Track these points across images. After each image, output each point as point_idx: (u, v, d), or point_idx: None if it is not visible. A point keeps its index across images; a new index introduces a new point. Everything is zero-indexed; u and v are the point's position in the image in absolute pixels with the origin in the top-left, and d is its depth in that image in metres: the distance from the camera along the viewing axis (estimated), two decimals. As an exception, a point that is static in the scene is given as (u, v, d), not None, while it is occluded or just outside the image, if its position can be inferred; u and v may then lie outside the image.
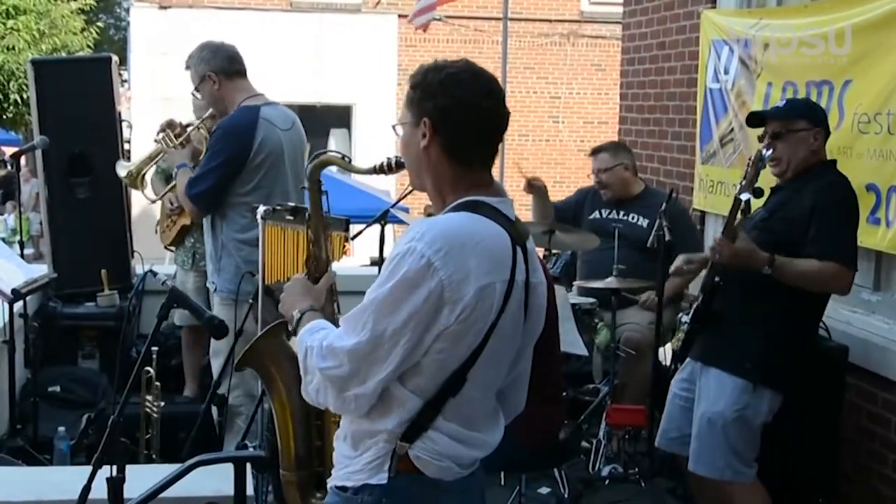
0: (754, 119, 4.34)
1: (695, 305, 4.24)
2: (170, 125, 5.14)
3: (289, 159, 4.93)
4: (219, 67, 4.89)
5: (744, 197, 3.95)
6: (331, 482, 2.46)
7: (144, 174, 5.27)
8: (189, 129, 5.10)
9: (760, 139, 4.26)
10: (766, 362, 4.01)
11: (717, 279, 4.11)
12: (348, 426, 2.43)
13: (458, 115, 2.38)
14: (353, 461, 2.39)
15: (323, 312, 2.59)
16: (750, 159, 4.13)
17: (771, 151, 4.07)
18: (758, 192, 3.96)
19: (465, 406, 2.35)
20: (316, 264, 2.80)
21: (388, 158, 2.63)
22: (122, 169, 5.25)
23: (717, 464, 4.09)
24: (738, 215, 4.05)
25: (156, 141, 5.13)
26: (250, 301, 4.45)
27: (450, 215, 2.37)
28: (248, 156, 4.77)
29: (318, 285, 2.70)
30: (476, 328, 2.28)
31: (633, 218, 5.68)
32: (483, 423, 2.43)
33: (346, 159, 2.86)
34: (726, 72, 5.90)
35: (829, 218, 3.96)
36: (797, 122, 4.11)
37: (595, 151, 5.94)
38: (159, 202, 5.95)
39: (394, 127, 2.52)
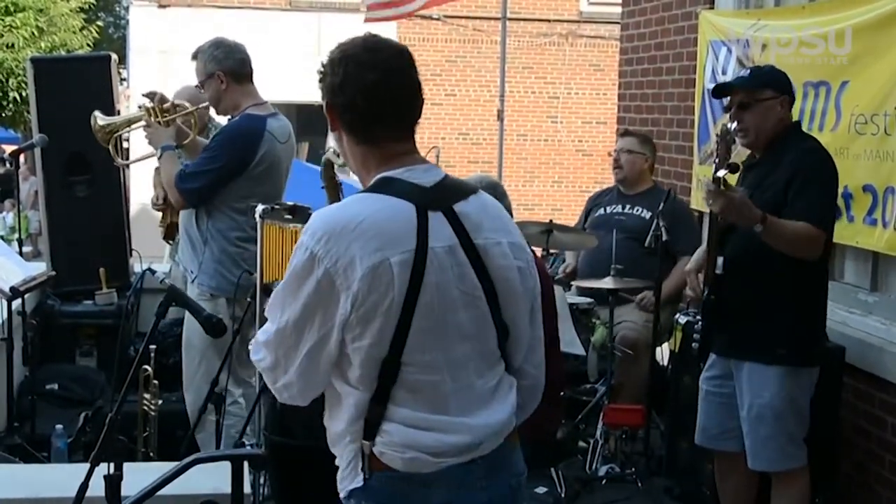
0: (720, 90, 4.34)
1: (702, 300, 4.23)
2: (159, 99, 5.00)
3: (283, 172, 4.96)
4: (229, 69, 4.87)
5: (720, 174, 3.89)
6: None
7: (117, 134, 5.13)
8: (180, 111, 4.99)
9: (726, 110, 4.26)
10: (797, 343, 4.02)
11: (718, 271, 4.11)
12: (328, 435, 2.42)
13: (346, 94, 2.33)
14: (341, 469, 2.38)
15: None
16: (717, 135, 4.12)
17: (737, 124, 4.06)
18: (733, 168, 3.92)
19: (420, 391, 2.26)
20: None
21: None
22: (101, 120, 5.09)
23: (774, 456, 4.09)
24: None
25: (140, 107, 5.03)
26: (248, 299, 4.46)
27: (342, 201, 2.36)
28: (247, 166, 4.78)
29: None
30: (382, 309, 2.20)
31: (637, 210, 5.71)
32: (460, 406, 2.30)
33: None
34: (724, 72, 5.91)
35: (807, 183, 3.95)
36: (763, 91, 4.10)
37: (625, 133, 5.99)
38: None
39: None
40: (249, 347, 4.23)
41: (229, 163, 4.78)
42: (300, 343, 2.27)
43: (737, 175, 4.14)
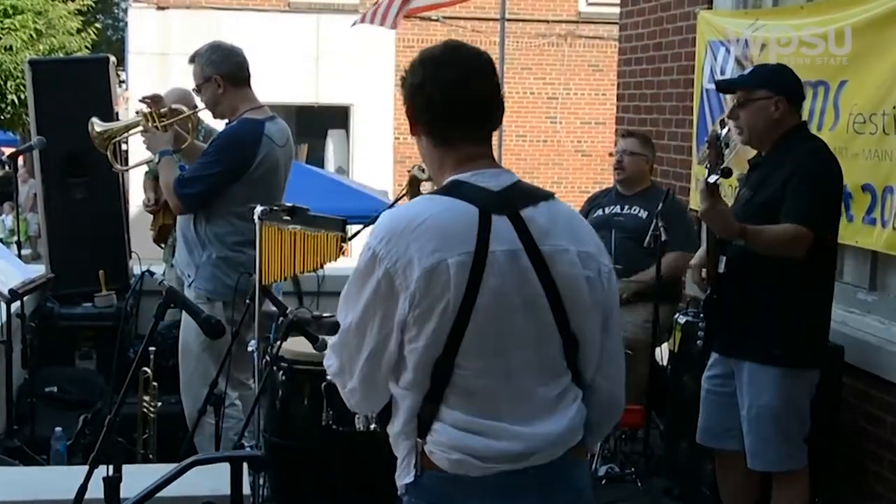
0: (723, 86, 4.40)
1: (704, 297, 4.24)
2: (156, 103, 4.97)
3: (282, 175, 4.96)
4: (227, 73, 4.87)
5: (712, 179, 3.90)
6: None
7: (115, 140, 5.11)
8: (177, 115, 4.97)
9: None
10: (795, 345, 4.03)
11: (721, 269, 4.12)
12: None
13: (425, 94, 2.35)
14: (398, 464, 2.40)
15: None
16: (707, 141, 4.14)
17: (726, 130, 4.08)
18: (726, 173, 3.94)
19: (473, 396, 2.26)
20: None
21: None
22: (98, 126, 5.06)
23: (774, 457, 4.10)
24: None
25: (137, 112, 5.01)
26: (247, 301, 4.46)
27: (405, 204, 2.39)
28: (246, 170, 4.78)
29: None
30: (438, 310, 2.20)
31: (634, 210, 5.70)
32: (512, 414, 2.27)
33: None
34: (723, 72, 5.91)
35: (801, 183, 3.96)
36: (757, 90, 4.13)
37: (627, 133, 5.97)
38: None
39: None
40: (249, 349, 4.25)
41: (227, 168, 4.78)
42: (362, 346, 2.30)
43: (733, 177, 4.14)
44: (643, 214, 5.60)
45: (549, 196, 2.38)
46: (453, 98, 2.34)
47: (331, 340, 2.41)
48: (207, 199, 4.82)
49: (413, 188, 3.35)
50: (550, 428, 2.30)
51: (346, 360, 2.35)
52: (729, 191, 5.22)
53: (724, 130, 4.08)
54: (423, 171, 2.91)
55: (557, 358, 2.33)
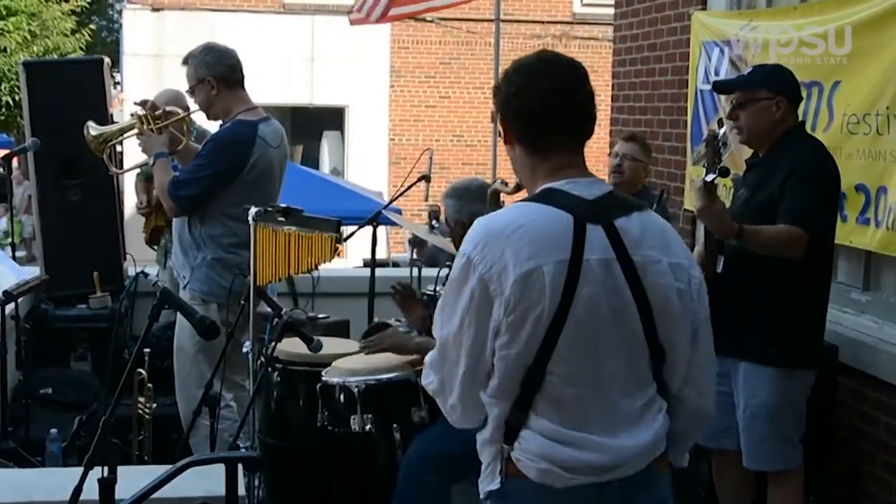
0: (721, 87, 4.39)
1: None
2: (151, 106, 4.97)
3: (276, 176, 4.96)
4: (220, 74, 4.87)
5: (709, 178, 3.90)
6: None
7: (111, 143, 5.09)
8: (172, 117, 4.97)
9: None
10: (791, 345, 4.03)
11: (718, 269, 4.12)
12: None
13: (520, 102, 2.36)
14: (482, 470, 2.40)
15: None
16: (704, 140, 4.14)
17: (724, 130, 4.08)
18: (724, 172, 3.94)
19: (562, 404, 2.26)
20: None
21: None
22: (94, 130, 5.06)
23: (769, 456, 4.10)
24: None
25: (132, 115, 5.00)
26: (242, 302, 4.46)
27: (499, 211, 2.38)
28: (240, 172, 4.78)
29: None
30: (532, 317, 2.21)
31: None
32: (599, 424, 2.28)
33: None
34: (717, 73, 5.91)
35: (798, 183, 3.97)
36: (759, 91, 4.12)
37: (629, 138, 5.90)
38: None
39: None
40: (244, 350, 4.24)
41: (221, 170, 4.78)
42: (459, 358, 2.29)
43: (728, 177, 4.15)
44: None
45: (641, 207, 2.40)
46: (547, 106, 2.35)
47: (428, 357, 2.39)
48: (201, 201, 4.82)
49: (494, 201, 3.36)
50: (636, 440, 2.31)
51: (446, 374, 2.33)
52: (724, 191, 5.23)
53: (722, 130, 4.08)
54: (505, 184, 2.91)
55: (644, 368, 2.34)
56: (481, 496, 2.40)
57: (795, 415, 4.10)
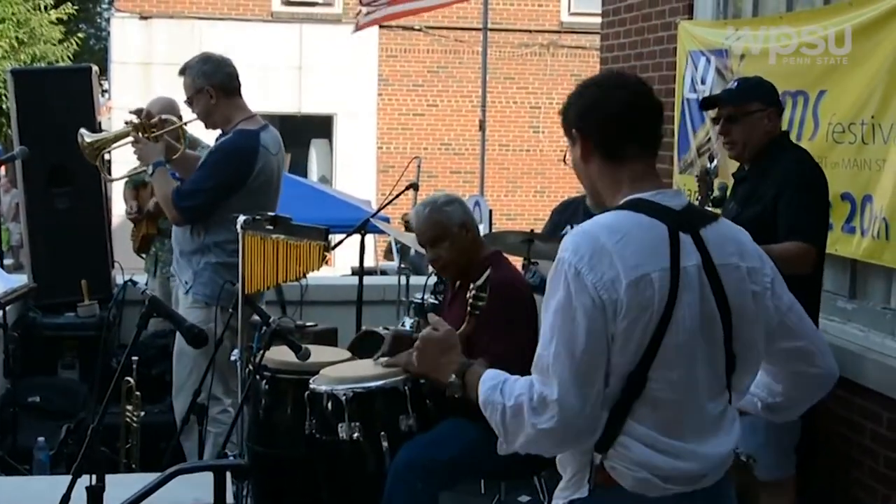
0: (707, 103, 4.41)
1: None
2: (146, 114, 4.98)
3: (276, 183, 4.99)
4: (218, 83, 4.90)
5: None
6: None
7: (104, 151, 5.10)
8: (167, 125, 4.98)
9: (715, 122, 4.33)
10: None
11: None
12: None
13: (599, 112, 2.40)
14: (562, 480, 2.39)
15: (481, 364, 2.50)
16: (696, 177, 4.19)
17: (715, 163, 4.12)
18: (716, 202, 3.99)
19: (659, 410, 2.26)
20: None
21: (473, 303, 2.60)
22: (88, 137, 5.05)
23: (764, 465, 4.11)
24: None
25: (126, 123, 5.00)
26: (230, 310, 4.46)
27: (594, 218, 2.37)
28: (245, 182, 4.80)
29: (447, 338, 2.56)
30: (642, 322, 2.22)
31: None
32: (694, 432, 2.30)
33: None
34: (703, 82, 5.94)
35: (794, 197, 3.99)
36: (750, 104, 4.15)
37: None
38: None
39: (564, 159, 2.54)
40: (232, 358, 4.23)
41: (226, 180, 4.80)
42: (594, 374, 2.23)
43: (715, 188, 4.18)
44: None
45: (717, 217, 2.47)
46: (626, 114, 2.40)
47: (545, 390, 2.22)
48: (206, 212, 4.84)
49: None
50: (721, 448, 2.35)
51: (581, 395, 2.21)
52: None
53: (713, 164, 4.12)
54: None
55: (722, 374, 2.37)
56: (559, 502, 2.37)
57: (789, 424, 4.12)
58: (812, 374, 2.56)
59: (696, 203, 4.00)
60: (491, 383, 2.36)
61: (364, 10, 12.04)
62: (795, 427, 4.15)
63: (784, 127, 4.46)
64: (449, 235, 4.29)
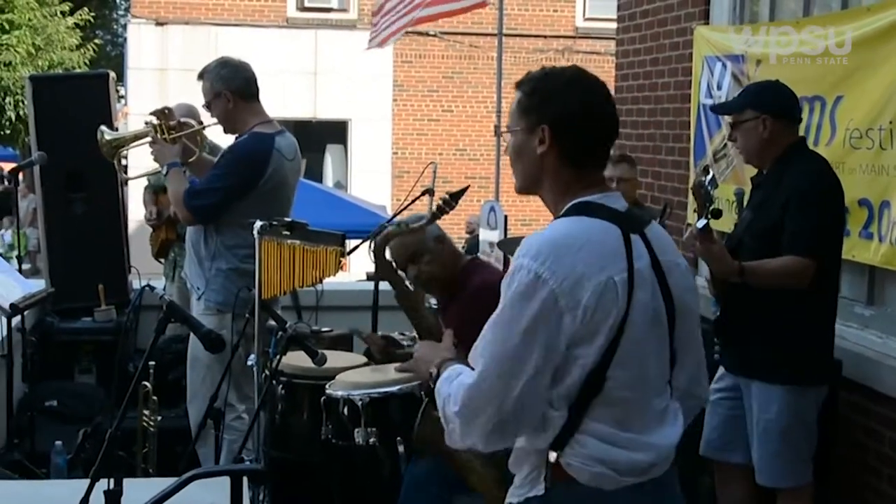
0: (715, 110, 4.56)
1: (714, 317, 4.29)
2: (166, 115, 5.01)
3: (291, 189, 4.99)
4: (236, 88, 4.91)
5: (700, 224, 3.97)
6: (506, 500, 2.46)
7: (122, 149, 5.14)
8: (186, 128, 5.01)
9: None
10: (800, 362, 4.05)
11: (726, 288, 4.15)
12: (514, 449, 2.44)
13: (582, 122, 2.40)
14: (517, 477, 2.42)
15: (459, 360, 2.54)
16: (691, 189, 4.21)
17: (710, 177, 4.15)
18: (715, 214, 4.00)
19: (616, 407, 2.31)
20: (430, 331, 2.80)
21: (442, 198, 2.66)
22: (108, 135, 5.09)
23: (781, 473, 4.11)
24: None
25: (146, 123, 5.03)
26: (247, 316, 4.47)
27: (552, 225, 2.40)
28: (256, 184, 4.81)
29: (444, 343, 2.67)
30: (606, 326, 2.26)
31: None
32: (646, 425, 2.36)
33: (403, 225, 2.87)
34: (719, 87, 5.93)
35: (799, 209, 3.99)
36: (744, 112, 4.18)
37: (618, 160, 5.92)
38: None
39: (501, 133, 2.56)
40: (249, 363, 4.23)
41: (238, 181, 4.81)
42: (520, 371, 2.26)
43: (730, 192, 4.19)
44: None
45: (650, 219, 2.51)
46: (606, 131, 2.44)
47: (467, 379, 2.32)
48: (217, 212, 4.84)
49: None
50: (669, 439, 2.41)
51: (497, 388, 2.27)
52: (729, 212, 5.25)
53: (708, 177, 4.13)
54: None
55: (667, 370, 2.44)
56: (514, 500, 2.40)
57: (807, 431, 4.11)
58: (696, 398, 2.62)
59: (695, 212, 4.02)
60: (446, 375, 2.44)
61: (382, 21, 12.02)
62: (812, 434, 4.14)
63: (802, 132, 4.45)
64: (427, 250, 4.34)
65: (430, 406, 2.56)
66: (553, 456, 2.31)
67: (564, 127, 2.40)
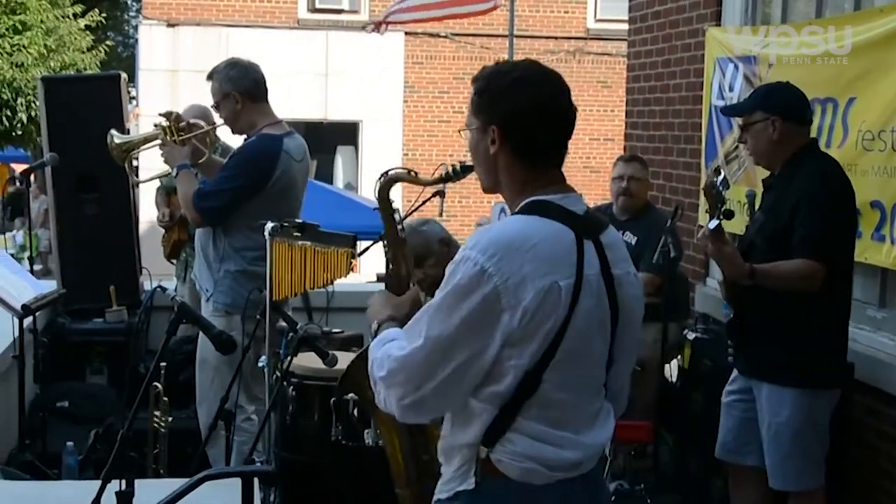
0: (725, 112, 4.56)
1: (727, 320, 4.29)
2: (175, 118, 5.02)
3: (299, 190, 4.99)
4: (245, 89, 4.91)
5: (712, 225, 3.98)
6: (434, 496, 2.47)
7: (132, 153, 5.15)
8: (195, 130, 5.02)
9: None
10: (812, 365, 4.04)
11: (738, 291, 4.15)
12: (441, 442, 2.47)
13: (531, 119, 2.39)
14: (445, 473, 2.44)
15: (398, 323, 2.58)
16: (703, 190, 4.21)
17: (721, 177, 4.15)
18: (728, 215, 4.00)
19: (550, 408, 2.33)
20: (398, 282, 2.83)
21: (453, 165, 2.67)
22: (117, 139, 5.10)
23: (793, 475, 4.11)
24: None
25: (155, 125, 5.04)
26: (257, 317, 4.48)
27: (505, 220, 2.39)
28: (264, 186, 4.81)
29: (400, 297, 2.73)
30: (543, 330, 2.27)
31: (627, 236, 5.70)
32: (578, 424, 2.38)
33: (412, 173, 2.89)
34: (731, 89, 5.92)
35: (808, 212, 3.99)
36: (754, 113, 4.18)
37: (630, 159, 5.93)
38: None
39: (460, 131, 2.55)
40: (260, 364, 4.22)
41: (246, 183, 4.81)
42: (447, 360, 2.29)
43: (742, 194, 4.19)
44: (633, 241, 5.63)
45: (608, 223, 2.51)
46: (560, 126, 2.43)
47: (394, 350, 2.37)
48: (226, 214, 4.85)
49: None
50: (599, 438, 2.44)
51: (420, 372, 2.31)
52: (741, 214, 5.24)
53: (720, 177, 4.13)
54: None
55: (603, 374, 2.45)
56: (442, 496, 2.43)
57: (819, 434, 4.10)
58: (621, 402, 2.64)
59: (707, 215, 4.02)
60: (381, 336, 2.49)
61: (390, 8, 12.02)
62: (824, 437, 4.12)
63: (814, 134, 4.44)
64: (432, 253, 4.38)
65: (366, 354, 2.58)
66: (484, 452, 2.34)
67: (514, 126, 2.39)
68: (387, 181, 2.89)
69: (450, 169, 2.67)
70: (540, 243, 2.29)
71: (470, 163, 2.58)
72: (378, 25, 12.70)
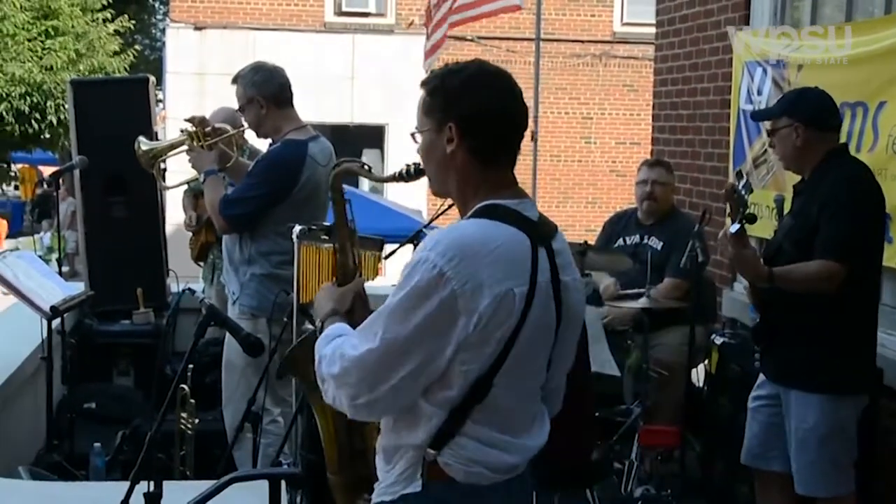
0: (754, 118, 4.57)
1: (753, 324, 4.27)
2: (201, 122, 5.03)
3: (325, 194, 4.99)
4: (269, 94, 4.90)
5: (734, 229, 3.97)
6: (373, 498, 2.47)
7: (160, 159, 5.17)
8: (221, 134, 5.03)
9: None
10: (839, 371, 4.02)
11: (765, 295, 4.14)
12: (381, 440, 2.46)
13: (487, 118, 2.38)
14: (387, 474, 2.43)
15: (351, 318, 2.59)
16: (724, 193, 4.21)
17: (743, 181, 4.13)
18: (750, 218, 3.98)
19: (497, 413, 2.35)
20: (343, 273, 2.85)
21: (408, 165, 2.66)
22: (144, 145, 5.12)
23: (819, 481, 4.08)
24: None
25: (182, 131, 5.05)
26: (285, 319, 4.48)
27: (464, 223, 2.38)
28: (290, 192, 4.81)
29: (342, 289, 2.73)
30: (497, 336, 2.28)
31: (652, 241, 5.69)
32: (520, 428, 2.41)
33: (366, 167, 2.90)
34: (759, 93, 5.89)
35: (833, 215, 3.97)
36: (780, 119, 4.18)
37: (654, 164, 5.93)
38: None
39: (412, 135, 2.54)
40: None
41: (272, 190, 4.82)
42: (403, 362, 2.29)
43: (770, 198, 4.17)
44: (658, 245, 5.62)
45: (556, 226, 2.50)
46: (514, 126, 2.42)
47: (347, 349, 2.35)
48: (252, 221, 4.86)
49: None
50: (537, 441, 2.47)
51: (373, 373, 2.31)
52: (768, 218, 5.21)
53: (742, 182, 4.11)
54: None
55: (543, 378, 2.47)
56: (386, 498, 2.42)
57: (846, 440, 4.07)
58: (556, 404, 2.64)
59: (728, 220, 4.01)
60: (328, 332, 2.49)
61: (431, 31, 12.03)
62: (851, 443, 4.09)
63: (843, 139, 4.41)
64: None
65: (313, 337, 2.57)
66: (431, 455, 2.34)
67: (472, 123, 2.38)
68: (339, 172, 2.89)
69: (404, 169, 2.66)
70: (498, 249, 2.29)
71: None
72: (427, 55, 12.70)
